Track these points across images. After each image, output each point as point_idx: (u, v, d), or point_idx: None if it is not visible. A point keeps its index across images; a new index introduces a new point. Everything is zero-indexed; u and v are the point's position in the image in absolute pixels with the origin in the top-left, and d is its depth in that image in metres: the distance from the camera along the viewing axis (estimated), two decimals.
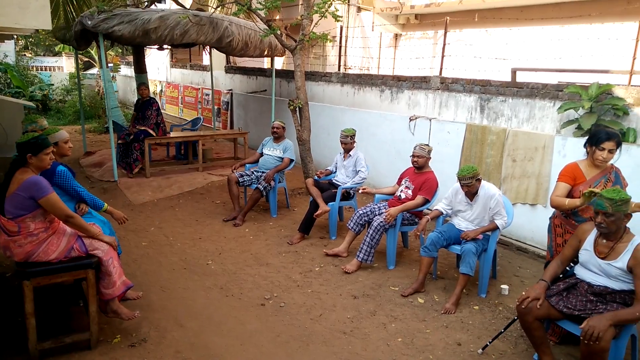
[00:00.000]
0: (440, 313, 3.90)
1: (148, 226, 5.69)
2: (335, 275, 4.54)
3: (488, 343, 3.39)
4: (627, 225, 2.90)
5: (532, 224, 5.08)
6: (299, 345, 3.45)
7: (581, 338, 2.69)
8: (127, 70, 17.65)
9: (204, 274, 4.51)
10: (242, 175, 5.98)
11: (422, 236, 4.43)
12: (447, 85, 6.13)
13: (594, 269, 2.95)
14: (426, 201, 4.62)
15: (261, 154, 6.22)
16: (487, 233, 4.11)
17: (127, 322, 3.51)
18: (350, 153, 5.53)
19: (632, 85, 4.64)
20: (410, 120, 6.33)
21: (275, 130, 6.08)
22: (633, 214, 2.91)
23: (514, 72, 6.10)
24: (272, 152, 6.11)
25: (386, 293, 4.22)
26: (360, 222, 4.83)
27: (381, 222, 4.53)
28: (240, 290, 4.22)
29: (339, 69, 8.99)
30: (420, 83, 6.54)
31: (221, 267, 4.66)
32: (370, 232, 4.55)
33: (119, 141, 7.56)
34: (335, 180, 5.63)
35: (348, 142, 5.45)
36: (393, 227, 4.62)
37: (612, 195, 2.76)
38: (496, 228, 4.06)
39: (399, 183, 4.93)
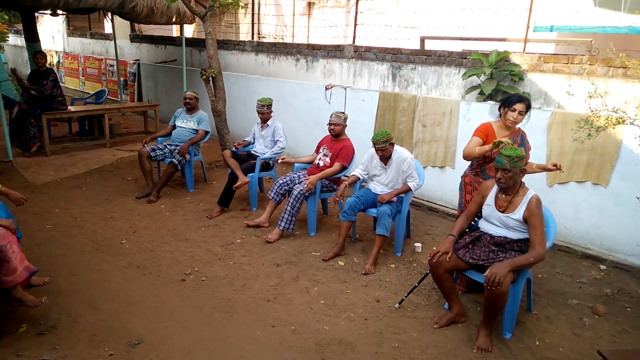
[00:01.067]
0: (360, 274, 4.06)
1: (52, 208, 5.27)
2: (258, 246, 4.54)
3: (404, 297, 3.59)
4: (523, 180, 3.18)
5: (441, 185, 5.40)
6: (222, 316, 3.43)
7: (485, 284, 2.94)
8: (16, 40, 15.90)
9: (118, 254, 4.30)
10: (154, 150, 5.70)
11: (340, 202, 4.54)
12: (361, 54, 6.22)
13: (495, 222, 3.22)
14: (344, 168, 4.72)
15: (174, 127, 5.97)
16: (401, 195, 4.31)
17: (34, 310, 3.27)
18: (268, 123, 5.47)
19: (526, 53, 5.00)
20: (327, 89, 6.37)
21: (187, 101, 5.84)
22: (531, 174, 3.19)
23: (422, 40, 6.32)
24: (185, 124, 5.88)
25: (308, 259, 4.30)
26: (281, 192, 4.84)
27: (301, 190, 4.57)
28: (158, 268, 4.08)
29: (252, 38, 8.77)
30: (334, 52, 6.57)
31: (137, 246, 4.47)
32: (291, 201, 4.58)
33: (12, 116, 6.85)
34: (254, 151, 5.56)
35: (265, 112, 5.38)
36: (313, 194, 4.68)
37: (509, 153, 2.99)
38: (409, 190, 4.26)
39: (317, 151, 4.99)
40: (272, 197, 4.85)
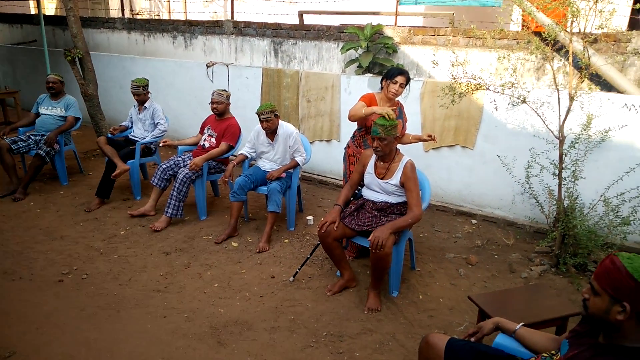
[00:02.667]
0: (254, 252, 4.04)
1: None
2: (144, 236, 4.30)
3: (298, 270, 3.66)
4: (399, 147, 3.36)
5: (329, 158, 5.53)
6: (108, 314, 3.21)
7: (369, 248, 3.09)
8: None
9: None
10: (15, 142, 5.09)
11: (230, 182, 4.46)
12: (240, 29, 6.07)
13: (376, 189, 3.38)
14: (230, 147, 4.62)
15: (37, 115, 5.37)
16: (290, 171, 4.34)
17: None
18: (146, 105, 5.14)
19: (398, 26, 5.24)
20: (208, 66, 6.14)
21: (50, 85, 5.27)
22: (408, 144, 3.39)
23: (301, 15, 6.33)
24: (50, 111, 5.31)
25: (200, 244, 4.19)
26: (165, 177, 4.62)
27: (187, 173, 4.39)
28: (30, 271, 3.70)
29: (122, 14, 8.12)
30: (213, 28, 6.34)
31: (2, 250, 4.00)
32: (177, 186, 4.39)
33: None
34: (133, 136, 5.22)
35: (141, 93, 5.05)
36: (200, 177, 4.53)
37: (383, 122, 3.13)
38: (297, 165, 4.30)
39: (201, 132, 4.81)
40: (156, 184, 4.61)
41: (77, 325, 3.08)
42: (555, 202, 3.73)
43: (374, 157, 3.38)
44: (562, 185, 3.63)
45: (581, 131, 3.70)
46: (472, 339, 2.09)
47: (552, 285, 3.58)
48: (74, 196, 5.15)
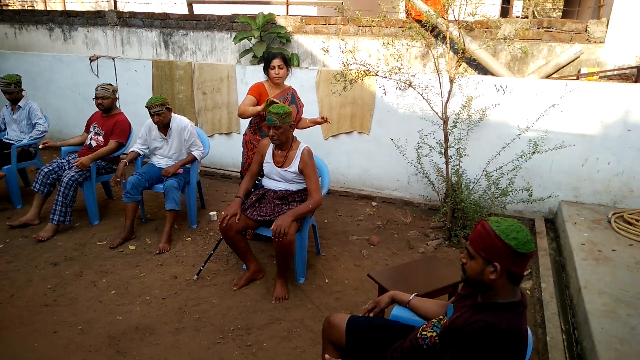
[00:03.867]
0: (155, 254, 3.85)
1: None
2: (27, 248, 3.91)
3: (201, 268, 3.55)
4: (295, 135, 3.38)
5: (231, 152, 5.42)
6: None
7: (272, 237, 3.08)
8: None
9: None
10: None
11: (123, 182, 4.19)
12: (126, 20, 5.71)
13: (276, 177, 3.37)
14: (120, 145, 4.34)
15: None
16: (187, 166, 4.18)
17: None
18: (20, 104, 4.65)
19: (290, 15, 5.25)
20: (91, 60, 5.70)
21: None
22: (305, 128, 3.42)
23: (190, 4, 6.10)
24: None
25: (93, 250, 3.90)
26: (48, 182, 4.22)
27: (72, 176, 4.06)
28: None
29: None
30: (95, 19, 5.89)
31: None
32: (62, 190, 4.04)
33: None
34: (7, 139, 4.70)
35: (12, 91, 4.55)
36: (88, 179, 4.21)
37: (277, 110, 3.12)
38: (194, 159, 4.16)
39: (87, 130, 4.47)
40: (38, 189, 4.20)
41: None
42: (444, 180, 3.99)
43: (271, 146, 3.37)
44: (449, 163, 3.90)
45: (460, 111, 3.99)
46: (371, 315, 2.17)
47: (445, 256, 3.84)
48: None
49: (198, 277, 3.52)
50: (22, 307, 3.17)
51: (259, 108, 3.52)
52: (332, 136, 4.94)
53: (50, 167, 4.23)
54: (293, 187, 3.35)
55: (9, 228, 4.18)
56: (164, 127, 4.05)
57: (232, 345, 2.84)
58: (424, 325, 1.85)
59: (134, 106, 5.33)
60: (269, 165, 3.38)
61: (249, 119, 3.83)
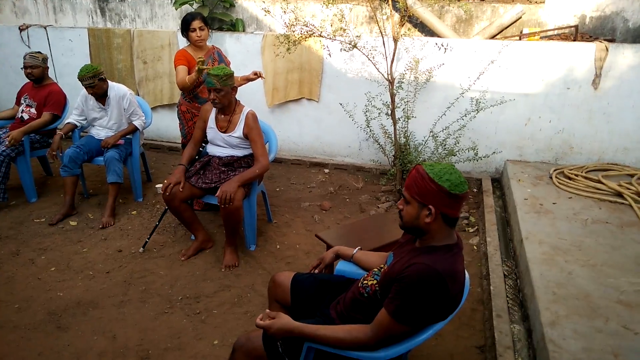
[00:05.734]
0: (98, 229, 3.70)
1: None
2: None
3: (147, 240, 3.43)
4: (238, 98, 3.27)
5: (176, 123, 5.17)
6: None
7: (218, 203, 3.00)
8: None
9: None
10: None
11: (60, 155, 3.96)
12: None
13: (220, 143, 3.26)
14: (56, 117, 4.10)
15: None
16: (129, 136, 4.00)
17: None
18: None
19: None
20: (21, 30, 5.31)
21: None
22: (238, 87, 3.32)
23: None
24: None
25: (30, 228, 3.70)
26: None
27: (4, 151, 3.81)
28: None
29: None
30: None
31: None
32: None
33: None
34: None
35: None
36: (22, 154, 3.96)
37: (217, 72, 3.00)
38: (136, 129, 3.98)
39: (18, 103, 4.19)
40: None
41: None
42: (392, 142, 4.00)
43: (214, 110, 3.25)
44: (397, 125, 3.90)
45: (405, 71, 3.99)
46: (316, 271, 2.15)
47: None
48: None
49: (144, 249, 3.41)
50: None
51: (193, 76, 3.38)
52: (279, 104, 4.84)
53: None
54: (239, 152, 3.26)
55: None
56: (101, 97, 3.84)
57: (180, 314, 2.77)
58: (365, 275, 1.85)
59: (70, 78, 5.02)
60: (212, 131, 3.27)
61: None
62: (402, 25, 3.57)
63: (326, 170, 4.85)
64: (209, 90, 3.07)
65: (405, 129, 4.01)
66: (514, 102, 4.14)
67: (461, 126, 4.02)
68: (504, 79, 4.10)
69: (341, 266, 2.14)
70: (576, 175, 3.94)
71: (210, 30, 3.66)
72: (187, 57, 3.59)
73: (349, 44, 3.69)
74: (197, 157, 3.38)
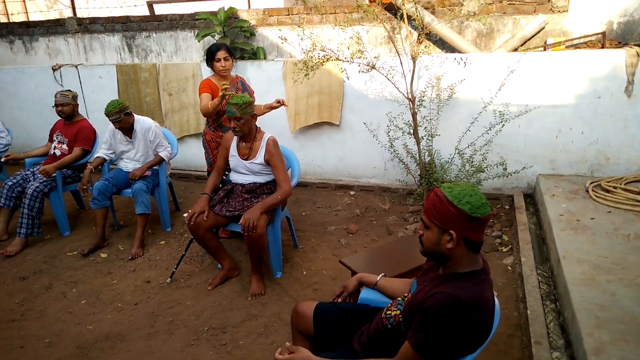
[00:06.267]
0: (127, 260, 3.74)
1: None
2: None
3: (174, 270, 3.44)
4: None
5: (202, 152, 5.30)
6: None
7: (242, 231, 2.98)
8: None
9: None
10: None
11: (90, 189, 4.06)
12: (86, 26, 5.57)
13: (243, 170, 3.27)
14: (86, 152, 4.22)
15: None
16: (156, 168, 4.07)
17: None
18: None
19: (252, 9, 5.15)
20: (54, 70, 5.56)
21: None
22: (262, 115, 3.33)
23: (150, 5, 5.97)
24: None
25: (63, 261, 3.77)
26: (13, 195, 4.08)
27: (37, 187, 3.93)
28: None
29: None
30: (55, 27, 5.74)
31: None
32: (27, 202, 3.91)
33: None
34: None
35: None
36: (54, 189, 4.08)
37: (236, 101, 3.02)
38: (162, 160, 4.05)
39: (50, 140, 4.34)
40: (4, 204, 4.06)
41: None
42: (417, 162, 3.92)
43: (235, 138, 3.27)
44: (421, 144, 3.83)
45: (425, 89, 3.92)
46: (339, 300, 2.08)
47: None
48: None
49: (171, 279, 3.41)
50: None
51: (216, 102, 3.43)
52: (301, 128, 4.84)
53: (15, 180, 4.10)
54: (261, 179, 3.26)
55: None
56: (127, 130, 3.93)
57: (206, 345, 2.74)
58: (389, 305, 1.77)
59: (100, 113, 5.16)
60: (234, 159, 3.28)
61: (207, 119, 3.75)
62: (420, 43, 3.53)
63: (352, 193, 4.79)
64: (229, 119, 3.10)
65: (430, 147, 3.93)
66: (542, 115, 4.01)
67: (487, 141, 3.91)
68: (529, 91, 3.99)
69: (365, 294, 2.06)
70: (614, 187, 3.74)
71: (234, 60, 3.72)
72: (211, 86, 3.65)
73: (367, 65, 3.67)
74: (220, 186, 3.40)
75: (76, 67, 5.45)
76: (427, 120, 3.91)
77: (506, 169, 3.92)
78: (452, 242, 1.48)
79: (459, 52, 4.37)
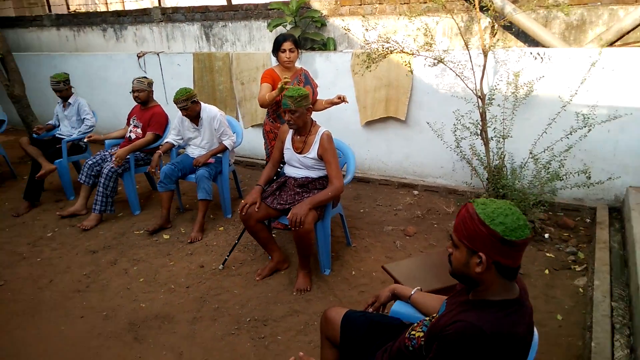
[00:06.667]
0: (187, 243, 3.88)
1: None
2: (72, 236, 4.10)
3: (226, 257, 3.51)
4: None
5: None
6: (21, 320, 3.03)
7: (289, 226, 2.96)
8: None
9: None
10: None
11: (158, 172, 4.26)
12: (169, 16, 5.83)
13: (296, 164, 3.23)
14: (157, 137, 4.42)
15: None
16: (219, 155, 4.17)
17: None
18: (70, 101, 4.88)
19: None
20: (139, 57, 5.89)
21: None
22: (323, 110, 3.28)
23: None
24: None
25: (130, 239, 4.00)
26: (92, 173, 4.39)
27: (111, 167, 4.19)
28: None
29: (49, 10, 7.70)
30: (142, 17, 6.07)
31: None
32: (102, 181, 4.18)
33: None
34: (59, 134, 4.96)
35: (62, 89, 4.78)
36: (127, 170, 4.33)
37: (292, 94, 2.97)
38: (225, 149, 4.13)
39: (128, 124, 4.60)
40: (84, 181, 4.39)
41: None
42: (484, 165, 3.65)
43: (291, 131, 3.24)
44: (489, 146, 3.55)
45: (496, 85, 3.61)
46: (371, 309, 1.98)
47: None
48: (3, 202, 4.89)
49: (224, 266, 3.49)
50: (57, 292, 3.31)
51: (274, 93, 3.41)
52: (368, 122, 4.71)
53: (94, 160, 4.41)
54: (313, 173, 3.20)
55: (59, 218, 4.41)
56: (194, 118, 4.05)
57: (245, 337, 2.76)
58: (415, 325, 1.64)
59: None
60: (289, 152, 3.25)
61: (267, 109, 3.75)
62: (494, 36, 3.24)
63: (415, 192, 4.59)
64: (284, 111, 3.07)
65: (501, 149, 3.63)
66: (638, 120, 3.54)
67: (568, 146, 3.53)
68: (622, 93, 3.53)
69: (397, 307, 1.94)
70: None
71: (299, 53, 3.68)
72: (273, 76, 3.65)
73: (434, 59, 3.45)
74: (274, 178, 3.39)
75: (158, 54, 5.73)
76: (497, 120, 3.61)
77: (590, 177, 3.51)
78: (482, 265, 1.32)
79: (543, 46, 3.97)
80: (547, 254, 3.40)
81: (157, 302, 3.14)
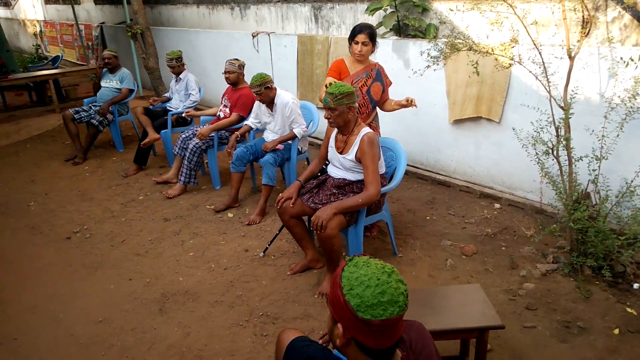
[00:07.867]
0: (244, 224, 4.01)
1: None
2: (157, 202, 4.54)
3: (267, 246, 3.54)
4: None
5: None
6: (86, 272, 3.47)
7: (311, 228, 2.84)
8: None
9: (20, 216, 4.39)
10: (78, 112, 5.70)
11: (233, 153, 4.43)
12: None
13: (336, 164, 3.06)
14: (241, 118, 4.59)
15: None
16: (289, 142, 4.17)
17: None
18: (181, 76, 5.34)
19: None
20: (253, 36, 6.13)
21: (106, 61, 5.74)
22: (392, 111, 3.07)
23: None
24: (108, 83, 5.81)
25: (200, 212, 4.28)
26: (184, 146, 4.77)
27: (196, 143, 4.49)
28: (50, 227, 4.15)
29: None
30: None
31: (42, 208, 4.55)
32: (187, 155, 4.52)
33: None
34: (169, 106, 5.48)
35: (175, 66, 5.23)
36: (211, 147, 4.60)
37: (333, 90, 2.79)
38: (294, 137, 4.10)
39: (221, 103, 4.86)
40: (177, 152, 4.80)
41: (55, 280, 3.38)
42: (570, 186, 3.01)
43: (336, 129, 3.07)
44: (573, 165, 2.91)
45: (584, 93, 2.89)
46: (320, 341, 1.80)
47: (552, 289, 2.93)
48: (122, 163, 5.62)
49: (264, 254, 3.52)
50: (123, 252, 3.72)
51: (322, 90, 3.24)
52: (455, 120, 4.23)
53: (187, 134, 4.77)
54: (351, 176, 3.00)
55: (154, 183, 4.92)
56: (269, 103, 4.09)
57: (250, 331, 2.77)
58: None
59: (283, 80, 5.56)
60: (331, 150, 3.09)
61: None
62: (586, 35, 2.57)
63: (497, 205, 4.02)
64: (325, 109, 2.90)
65: (596, 172, 2.95)
66: None
67: None
68: None
69: None
70: None
71: (375, 46, 3.42)
72: (341, 69, 3.49)
73: (510, 58, 2.89)
74: (318, 174, 3.27)
75: (268, 35, 5.89)
76: (595, 134, 2.92)
77: None
78: (339, 339, 1.08)
79: None
80: (629, 309, 2.71)
81: (193, 279, 3.31)
